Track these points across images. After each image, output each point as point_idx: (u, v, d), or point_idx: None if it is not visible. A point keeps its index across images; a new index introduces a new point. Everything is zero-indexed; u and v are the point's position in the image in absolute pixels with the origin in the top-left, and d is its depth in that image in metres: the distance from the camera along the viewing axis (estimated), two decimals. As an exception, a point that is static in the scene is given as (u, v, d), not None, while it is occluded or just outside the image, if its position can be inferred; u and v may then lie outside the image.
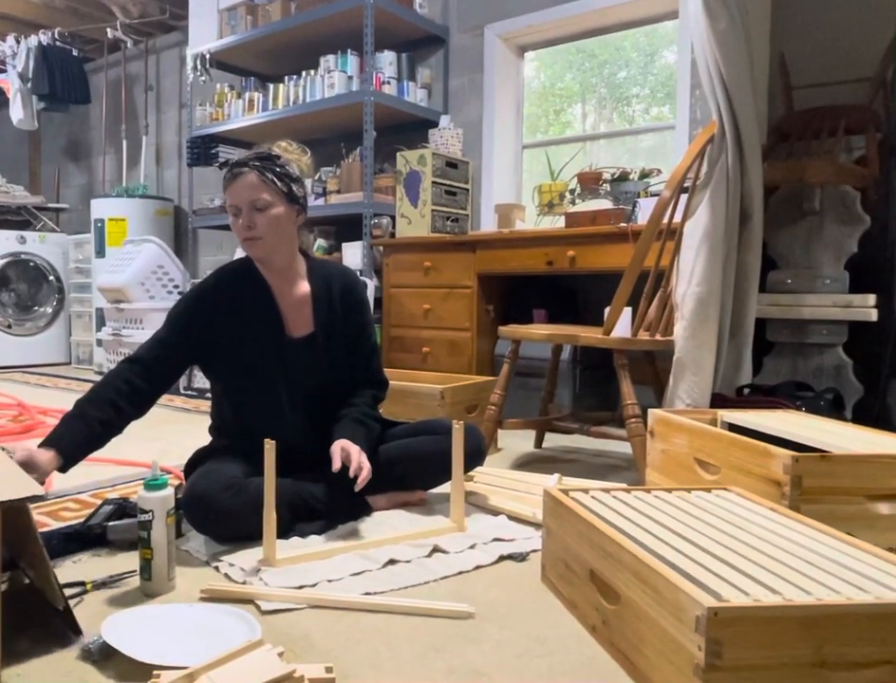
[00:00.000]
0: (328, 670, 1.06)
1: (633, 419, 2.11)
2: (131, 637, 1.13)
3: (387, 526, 1.73)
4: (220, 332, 1.73)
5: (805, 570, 1.06)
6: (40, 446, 1.51)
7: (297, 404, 1.78)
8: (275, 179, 1.69)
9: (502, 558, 1.58)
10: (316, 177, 3.90)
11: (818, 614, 0.93)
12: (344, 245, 3.73)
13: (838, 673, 0.93)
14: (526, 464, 2.54)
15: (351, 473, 1.60)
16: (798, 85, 2.68)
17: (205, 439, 1.88)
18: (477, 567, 1.53)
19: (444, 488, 1.86)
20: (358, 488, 1.61)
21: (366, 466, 1.62)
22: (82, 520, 1.71)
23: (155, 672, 1.00)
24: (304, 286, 1.81)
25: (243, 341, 1.73)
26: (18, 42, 5.49)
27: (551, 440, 2.87)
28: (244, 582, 1.41)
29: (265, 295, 1.77)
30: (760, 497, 1.46)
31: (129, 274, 4.37)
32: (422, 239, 3.40)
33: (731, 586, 1.00)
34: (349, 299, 1.84)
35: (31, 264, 5.35)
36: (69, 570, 1.48)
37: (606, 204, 3.09)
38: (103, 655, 1.12)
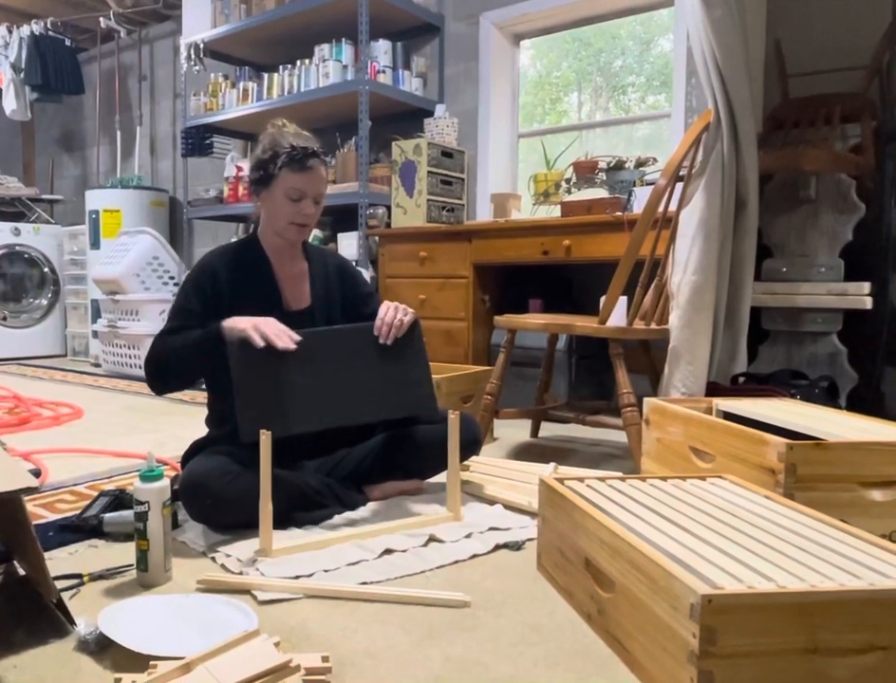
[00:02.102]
0: (325, 659, 1.06)
1: (628, 408, 2.12)
2: (128, 628, 1.13)
3: (384, 515, 1.74)
4: (225, 302, 1.77)
5: (799, 557, 1.07)
6: (219, 330, 1.64)
7: None
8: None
9: (498, 547, 1.59)
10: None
11: (812, 600, 0.93)
12: (339, 235, 3.72)
13: (832, 660, 0.93)
14: (522, 453, 2.54)
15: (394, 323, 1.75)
16: (794, 73, 2.68)
17: (200, 431, 1.88)
18: (473, 556, 1.53)
19: (440, 477, 1.87)
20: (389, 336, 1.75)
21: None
22: (78, 511, 1.71)
23: (151, 662, 1.01)
24: (302, 264, 1.90)
25: (244, 313, 1.75)
26: (10, 32, 5.45)
27: (547, 429, 2.88)
28: (240, 573, 1.41)
29: (265, 270, 1.84)
30: (755, 485, 1.46)
31: (124, 266, 4.35)
32: (418, 229, 3.40)
33: (725, 574, 1.00)
34: (344, 275, 1.96)
35: (26, 256, 5.33)
36: (65, 562, 1.48)
37: (601, 193, 3.08)
38: (100, 646, 1.12)
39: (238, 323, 1.64)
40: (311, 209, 1.78)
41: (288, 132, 1.80)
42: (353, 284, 1.97)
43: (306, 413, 1.64)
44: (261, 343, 1.59)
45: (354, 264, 2.88)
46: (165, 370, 1.72)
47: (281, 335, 1.62)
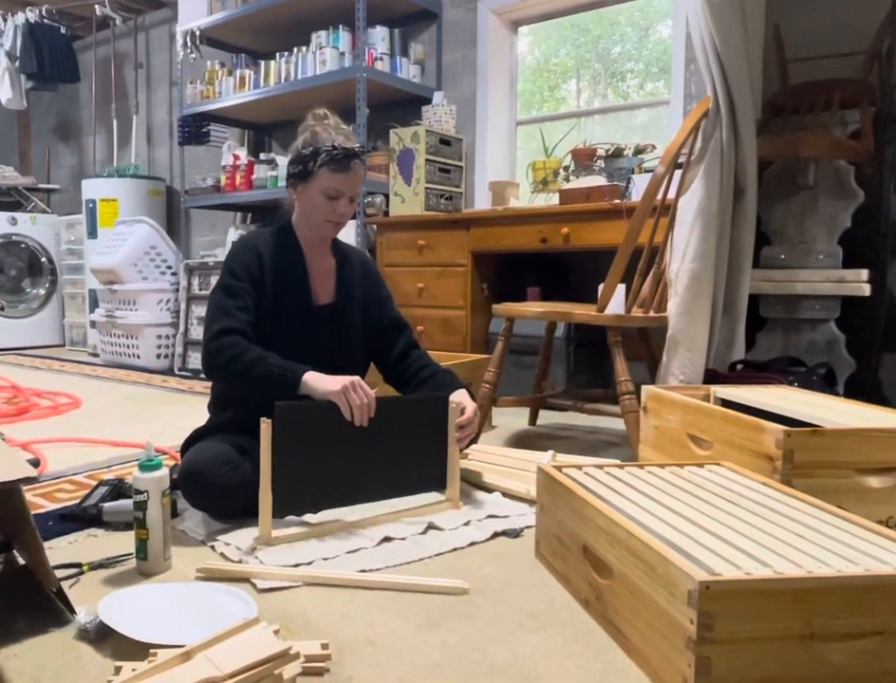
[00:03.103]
0: (324, 646, 1.07)
1: (627, 396, 2.12)
2: (127, 617, 1.14)
3: (383, 503, 1.73)
4: (266, 284, 1.76)
5: (796, 543, 1.07)
6: (301, 377, 1.59)
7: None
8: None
9: (496, 534, 1.59)
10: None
11: (809, 586, 0.93)
12: (337, 224, 3.71)
13: (828, 645, 0.94)
14: (520, 441, 2.54)
15: (467, 434, 1.74)
16: (793, 59, 2.66)
17: (199, 420, 1.88)
18: (472, 544, 1.54)
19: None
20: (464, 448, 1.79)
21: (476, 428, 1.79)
22: (77, 501, 1.71)
23: (151, 650, 1.01)
24: (330, 259, 1.89)
25: (274, 302, 1.76)
26: (5, 20, 5.41)
27: (546, 417, 2.88)
28: (240, 561, 1.42)
29: (299, 260, 1.83)
30: (752, 472, 1.47)
31: (121, 255, 4.34)
32: (416, 217, 3.39)
33: (722, 560, 1.00)
34: (368, 275, 1.95)
35: (23, 245, 5.32)
36: (65, 551, 1.48)
37: (600, 180, 3.07)
38: (100, 635, 1.13)
39: (324, 384, 1.58)
40: (347, 207, 1.76)
41: (329, 126, 1.78)
42: (375, 285, 1.95)
43: (335, 493, 1.61)
44: (349, 415, 1.57)
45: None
46: (230, 375, 1.66)
47: (364, 408, 1.58)
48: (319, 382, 1.59)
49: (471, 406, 1.76)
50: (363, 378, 1.95)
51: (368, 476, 1.65)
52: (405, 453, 1.69)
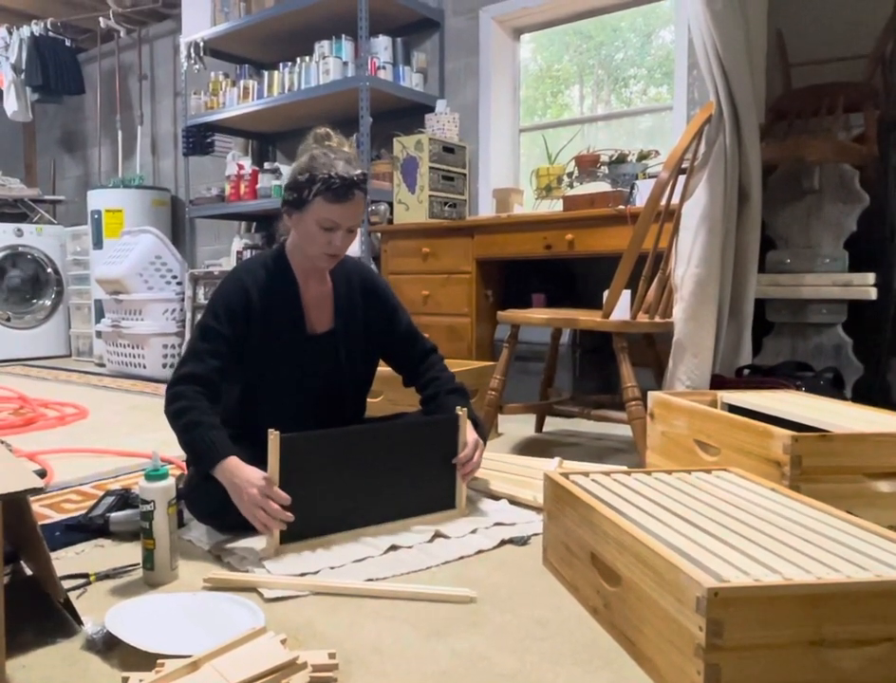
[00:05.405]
0: (331, 656, 1.06)
1: (633, 402, 2.11)
2: (135, 627, 1.14)
3: (389, 512, 1.73)
4: (254, 322, 1.70)
5: (805, 549, 1.06)
6: (218, 462, 1.49)
7: (310, 404, 1.78)
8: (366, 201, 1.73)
9: (503, 542, 1.59)
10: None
11: (818, 592, 0.93)
12: (341, 232, 3.71)
13: (838, 651, 0.93)
14: (526, 448, 2.54)
15: (468, 471, 1.71)
16: (796, 63, 2.66)
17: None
18: (479, 552, 1.53)
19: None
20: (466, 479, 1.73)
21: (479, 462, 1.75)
22: (84, 511, 1.71)
23: (159, 660, 1.01)
24: (327, 284, 1.81)
25: (266, 336, 1.71)
26: (10, 33, 5.45)
27: (552, 424, 2.87)
28: (247, 571, 1.42)
29: (291, 291, 1.75)
30: (760, 477, 1.46)
31: (127, 265, 4.36)
32: (420, 225, 3.39)
33: (731, 566, 1.00)
34: (368, 293, 1.86)
35: (29, 256, 5.34)
36: (72, 561, 1.48)
37: (604, 186, 3.07)
38: (108, 645, 1.13)
39: (233, 486, 1.47)
40: (345, 240, 1.66)
41: (331, 148, 1.67)
42: (378, 302, 1.87)
43: (341, 520, 1.58)
44: (263, 530, 1.47)
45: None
46: (172, 427, 1.59)
47: (272, 523, 1.45)
48: (231, 479, 1.48)
49: (471, 440, 1.71)
50: (366, 394, 1.94)
51: (375, 502, 1.62)
52: (413, 477, 1.66)
